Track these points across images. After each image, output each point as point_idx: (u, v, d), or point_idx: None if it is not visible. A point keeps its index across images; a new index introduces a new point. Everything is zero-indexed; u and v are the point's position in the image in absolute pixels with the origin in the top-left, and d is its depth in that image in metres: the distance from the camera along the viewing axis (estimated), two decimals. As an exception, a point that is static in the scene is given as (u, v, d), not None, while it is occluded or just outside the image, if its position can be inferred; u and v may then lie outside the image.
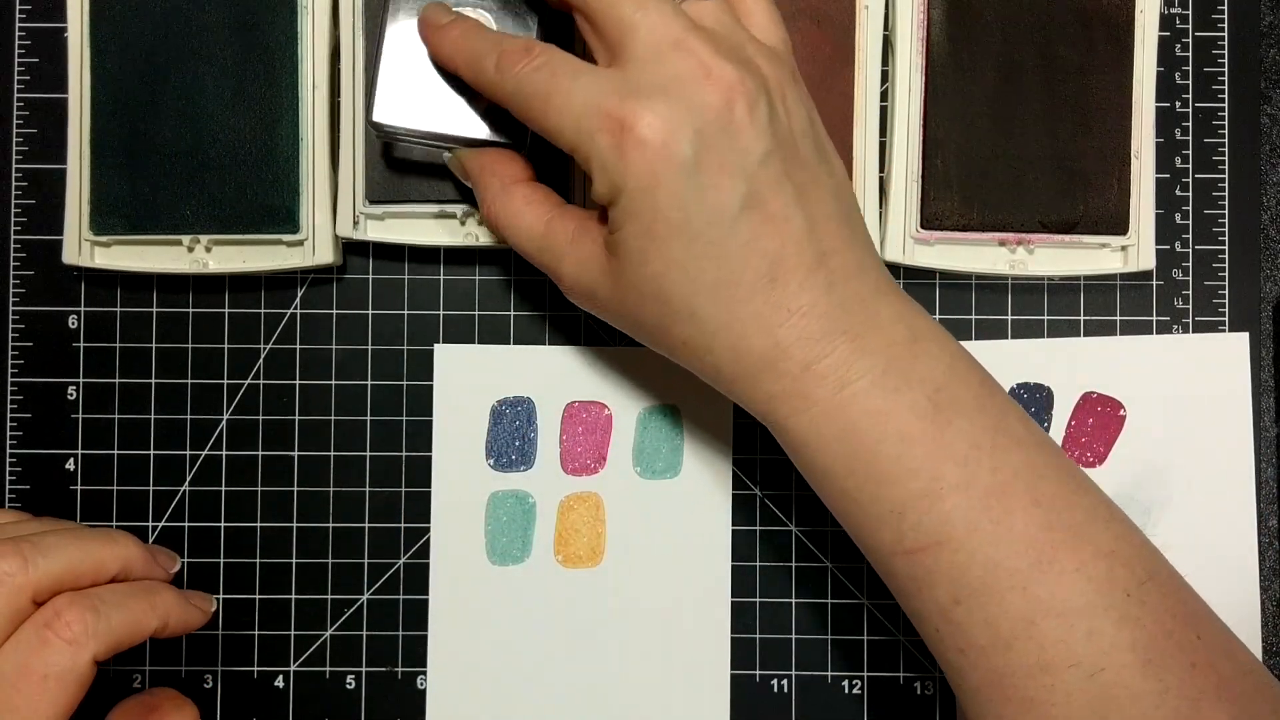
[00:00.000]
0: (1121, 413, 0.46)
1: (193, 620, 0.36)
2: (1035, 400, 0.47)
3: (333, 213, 0.45)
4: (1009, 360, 0.47)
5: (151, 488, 0.46)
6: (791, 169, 0.36)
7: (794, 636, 0.46)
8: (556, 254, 0.38)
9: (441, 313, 0.47)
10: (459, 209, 0.44)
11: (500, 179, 0.40)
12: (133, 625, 0.34)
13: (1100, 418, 0.47)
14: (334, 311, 0.47)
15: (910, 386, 0.35)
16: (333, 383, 0.47)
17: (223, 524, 0.46)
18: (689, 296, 0.35)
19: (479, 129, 0.40)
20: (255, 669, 0.46)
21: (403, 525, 0.46)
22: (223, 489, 0.46)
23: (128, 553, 0.35)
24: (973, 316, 0.47)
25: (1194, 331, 0.47)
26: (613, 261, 0.37)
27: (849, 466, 0.36)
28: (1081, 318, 0.47)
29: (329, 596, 0.46)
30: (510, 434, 0.46)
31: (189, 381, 0.47)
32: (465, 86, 0.39)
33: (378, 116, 0.40)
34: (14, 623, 0.32)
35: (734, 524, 0.46)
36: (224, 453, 0.47)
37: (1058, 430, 0.46)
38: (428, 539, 0.46)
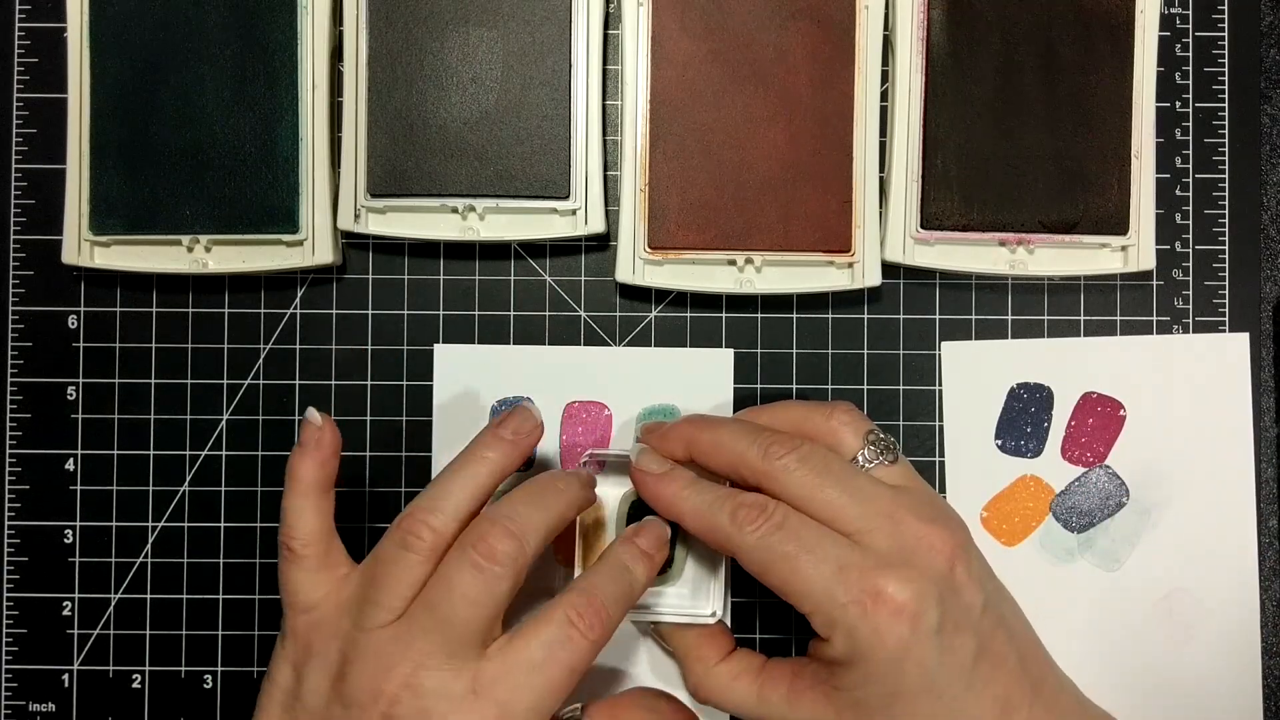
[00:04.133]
0: (1121, 413, 0.46)
1: (588, 498, 0.40)
2: (1035, 400, 0.47)
3: (333, 212, 0.45)
4: (1009, 360, 0.47)
5: (151, 488, 0.46)
6: (1000, 610, 0.38)
7: (794, 636, 0.46)
8: (775, 718, 0.40)
9: (441, 313, 0.47)
10: (460, 203, 0.44)
11: (704, 661, 0.41)
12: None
13: (1100, 418, 0.47)
14: (334, 311, 0.47)
15: None
16: (333, 383, 0.47)
17: (223, 524, 0.46)
18: None
19: (677, 610, 0.42)
20: (255, 669, 0.46)
21: (403, 525, 0.46)
22: (223, 489, 0.46)
23: (575, 497, 0.40)
24: (973, 316, 0.47)
25: (1194, 331, 0.47)
26: (846, 714, 0.38)
27: None
28: (1081, 318, 0.47)
29: (329, 596, 0.46)
30: (510, 434, 0.46)
31: (189, 381, 0.47)
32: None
33: None
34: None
35: (734, 524, 0.46)
36: (224, 453, 0.47)
37: (1058, 430, 0.47)
38: (428, 539, 0.46)
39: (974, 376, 0.47)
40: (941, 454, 0.47)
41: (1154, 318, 0.47)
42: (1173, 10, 0.47)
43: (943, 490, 0.47)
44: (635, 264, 0.45)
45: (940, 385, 0.47)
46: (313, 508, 0.39)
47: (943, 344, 0.47)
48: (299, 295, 0.47)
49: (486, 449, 0.39)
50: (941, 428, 0.47)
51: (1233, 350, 0.47)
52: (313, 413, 0.40)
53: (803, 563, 0.36)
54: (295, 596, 0.38)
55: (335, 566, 0.39)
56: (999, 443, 0.47)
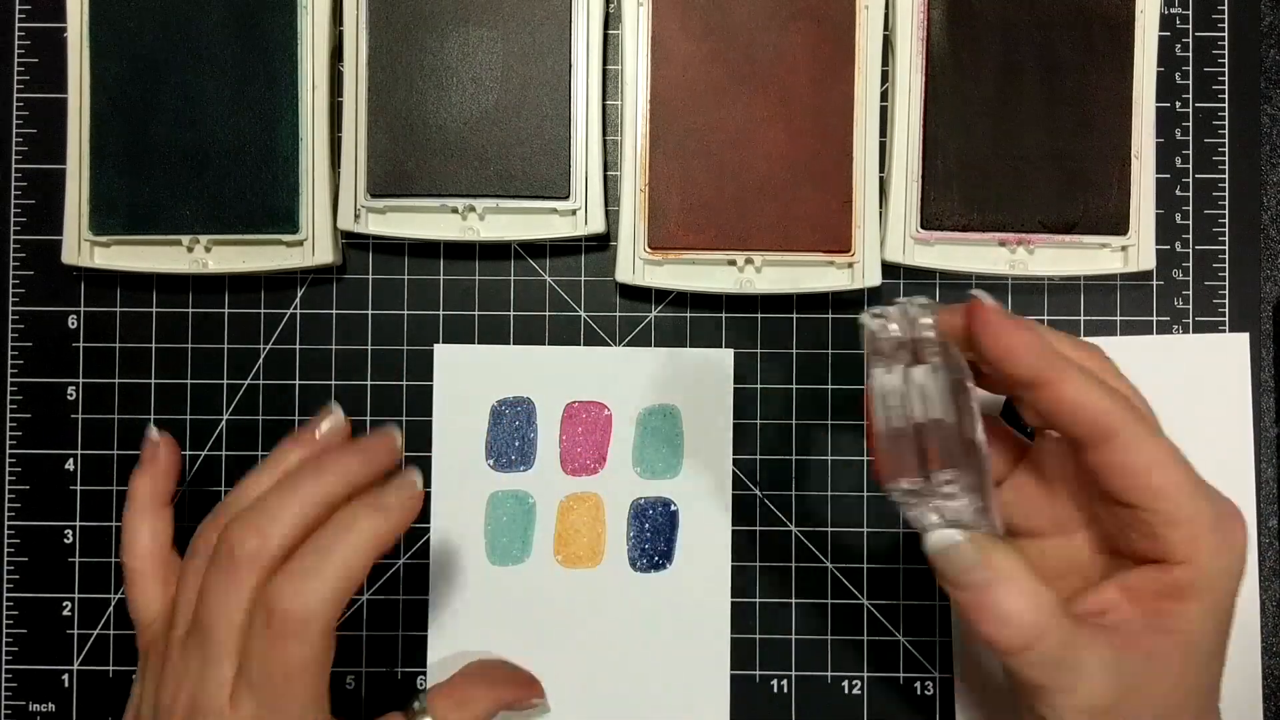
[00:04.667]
0: (1121, 413, 0.46)
1: (401, 520, 0.36)
2: (1035, 400, 0.46)
3: (333, 212, 0.45)
4: (1009, 360, 0.47)
5: (151, 488, 0.46)
6: None
7: (794, 636, 0.46)
8: (1074, 661, 0.32)
9: (441, 313, 0.47)
10: (460, 203, 0.44)
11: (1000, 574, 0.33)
12: (346, 578, 0.35)
13: (1100, 418, 0.46)
14: (334, 311, 0.47)
15: None
16: (333, 383, 0.47)
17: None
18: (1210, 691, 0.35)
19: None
20: (255, 669, 0.46)
21: (403, 525, 0.46)
22: (223, 489, 0.46)
23: (351, 474, 0.36)
24: (973, 316, 0.47)
25: (1194, 331, 0.47)
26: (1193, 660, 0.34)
27: None
28: (1081, 318, 0.47)
29: (329, 596, 0.46)
30: (510, 434, 0.46)
31: (189, 381, 0.47)
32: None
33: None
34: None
35: (734, 524, 0.46)
36: (224, 453, 0.47)
37: (1058, 430, 0.46)
38: (428, 539, 0.46)
39: (974, 376, 0.47)
40: (941, 454, 0.47)
41: (1154, 318, 0.47)
42: (1173, 10, 0.47)
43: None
44: (635, 264, 0.45)
45: (940, 385, 0.47)
46: (148, 526, 0.39)
47: (943, 344, 0.47)
48: (299, 295, 0.47)
49: (287, 452, 0.39)
50: (941, 428, 0.47)
51: (1233, 350, 0.47)
52: (151, 429, 0.41)
53: (1175, 464, 0.35)
54: (137, 614, 0.39)
55: (172, 582, 0.39)
56: (999, 443, 0.47)
